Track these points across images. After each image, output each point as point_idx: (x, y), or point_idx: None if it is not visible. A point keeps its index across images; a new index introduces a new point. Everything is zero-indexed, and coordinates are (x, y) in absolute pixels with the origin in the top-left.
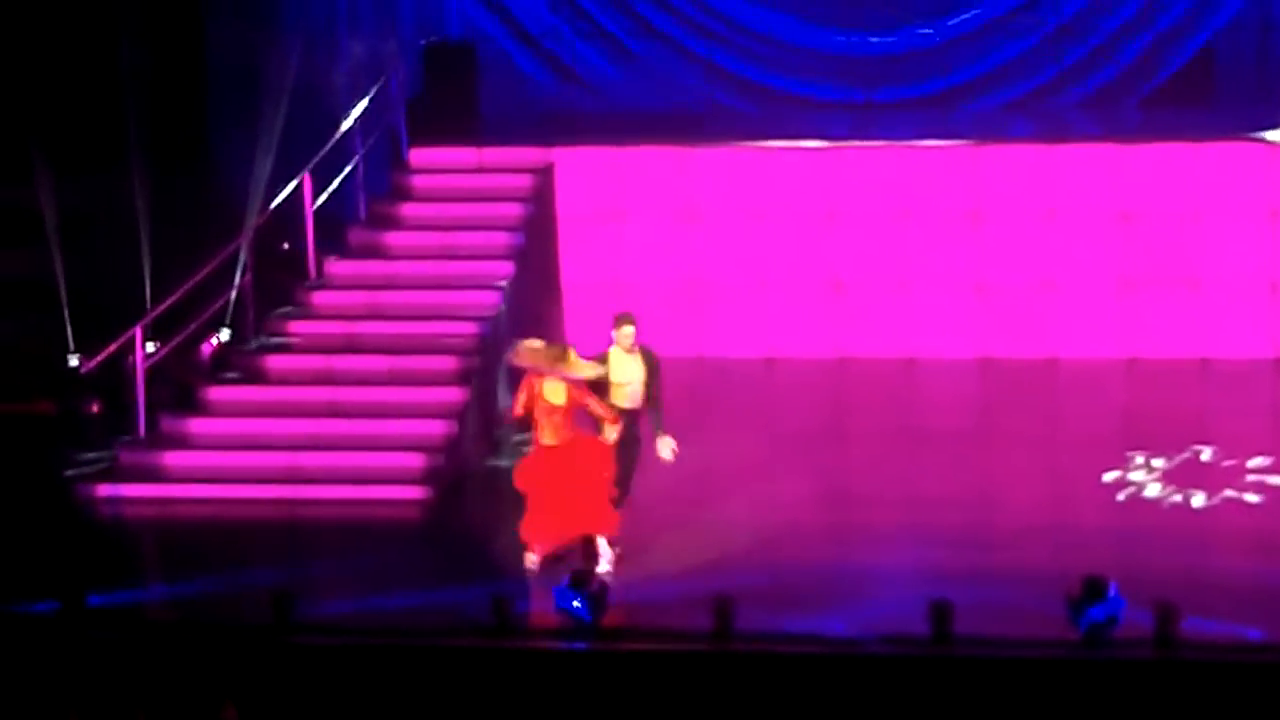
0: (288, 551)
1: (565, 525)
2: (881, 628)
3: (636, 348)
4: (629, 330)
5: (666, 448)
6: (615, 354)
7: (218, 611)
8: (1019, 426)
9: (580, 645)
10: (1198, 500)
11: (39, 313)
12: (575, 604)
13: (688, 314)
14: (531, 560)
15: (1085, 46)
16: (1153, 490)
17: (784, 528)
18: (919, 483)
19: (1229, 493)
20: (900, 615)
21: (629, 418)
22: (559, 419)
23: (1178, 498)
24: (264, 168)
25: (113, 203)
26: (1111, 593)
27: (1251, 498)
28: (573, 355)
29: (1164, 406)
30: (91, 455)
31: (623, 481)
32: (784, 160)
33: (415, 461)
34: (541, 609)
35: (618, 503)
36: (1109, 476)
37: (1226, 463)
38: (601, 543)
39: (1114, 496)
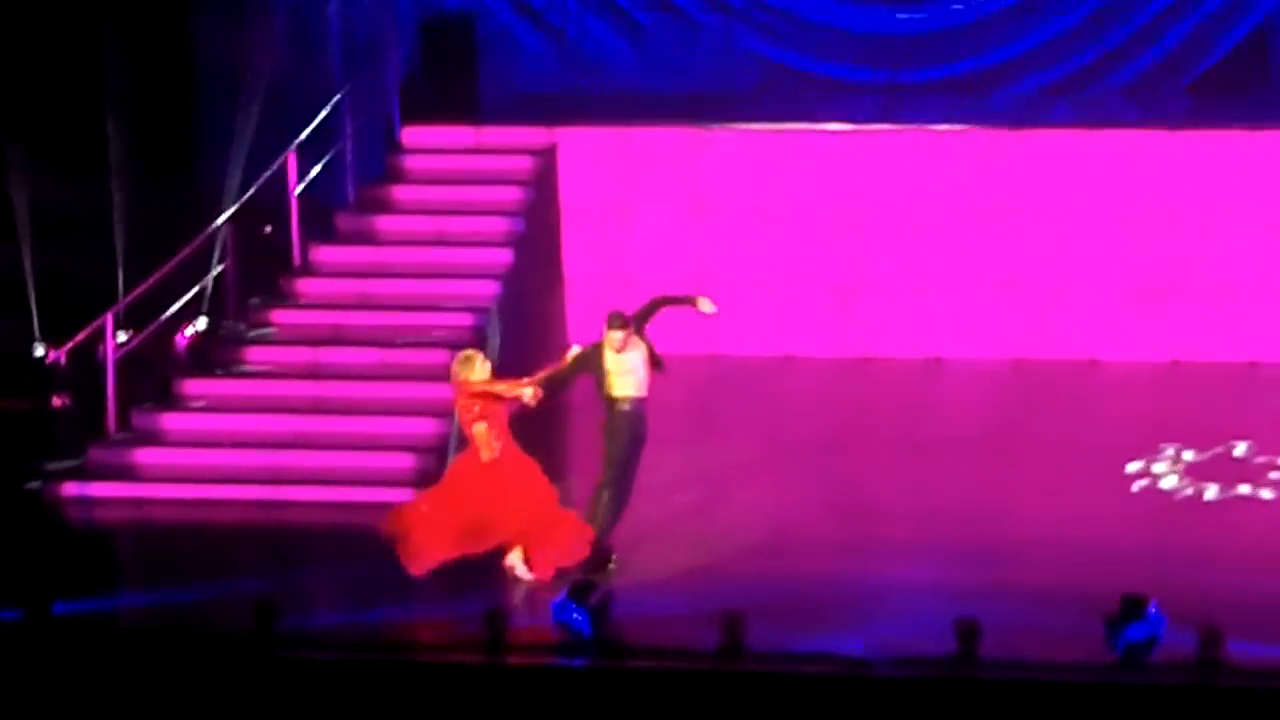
0: (270, 557)
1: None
2: (900, 648)
3: (628, 344)
4: (616, 336)
5: (707, 304)
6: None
7: (195, 621)
8: (1052, 433)
9: (579, 662)
10: (1210, 493)
11: (14, 309)
12: (575, 617)
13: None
14: (517, 563)
15: (1129, 26)
16: (1169, 482)
17: (797, 539)
18: (942, 493)
19: (1244, 489)
20: (921, 635)
21: (637, 409)
22: (488, 423)
23: (1190, 491)
24: (246, 147)
25: (94, 196)
26: (1151, 611)
27: (1267, 494)
28: (479, 363)
29: (1205, 411)
30: (58, 452)
31: (623, 480)
32: (803, 144)
33: (405, 462)
34: (539, 622)
35: (615, 508)
36: (1132, 466)
37: (1258, 459)
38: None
39: (1150, 503)
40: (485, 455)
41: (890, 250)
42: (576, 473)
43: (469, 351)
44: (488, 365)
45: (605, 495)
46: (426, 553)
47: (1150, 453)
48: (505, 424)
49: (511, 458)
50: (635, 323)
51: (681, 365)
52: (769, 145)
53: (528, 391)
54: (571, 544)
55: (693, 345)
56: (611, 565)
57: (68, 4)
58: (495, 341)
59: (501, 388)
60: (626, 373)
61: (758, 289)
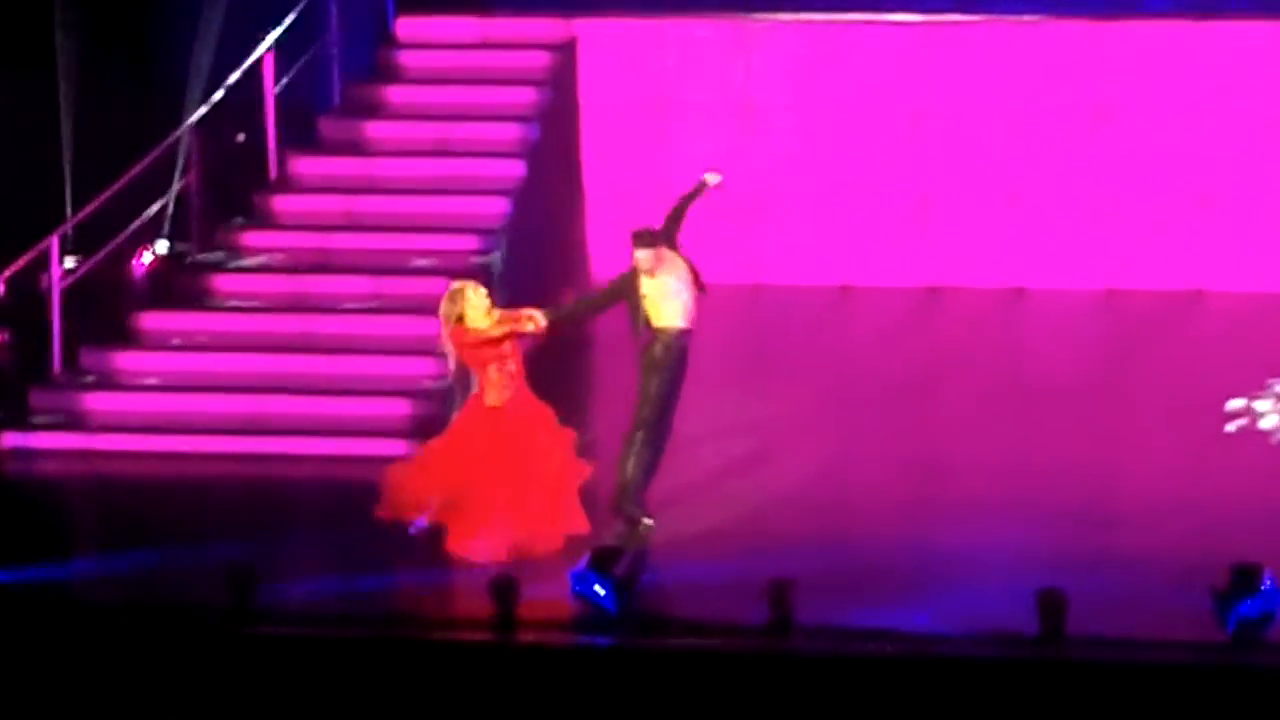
0: (245, 519)
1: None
2: (977, 623)
3: (661, 264)
4: (643, 256)
5: (712, 176)
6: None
7: (159, 594)
8: (1151, 375)
9: (603, 641)
10: None
11: None
12: (597, 589)
13: (743, 231)
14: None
15: None
16: (1270, 421)
17: (858, 498)
18: (1026, 443)
19: None
20: (999, 608)
21: (681, 342)
22: (498, 364)
23: None
24: (215, 40)
25: (37, 97)
26: (1266, 584)
27: None
28: (472, 294)
29: None
30: None
31: (661, 425)
32: (865, 39)
33: (401, 409)
34: (556, 595)
35: (650, 457)
36: (1233, 404)
37: None
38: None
39: (1260, 453)
40: (492, 399)
41: (965, 163)
42: (600, 418)
43: (458, 284)
44: (483, 293)
45: (639, 440)
46: (400, 499)
47: (1256, 390)
48: (520, 366)
49: (523, 406)
50: (663, 238)
51: (724, 296)
52: (826, 40)
53: (529, 325)
54: (555, 530)
55: (736, 274)
56: (643, 527)
57: None
58: (497, 268)
59: (503, 326)
60: (670, 297)
61: (812, 208)
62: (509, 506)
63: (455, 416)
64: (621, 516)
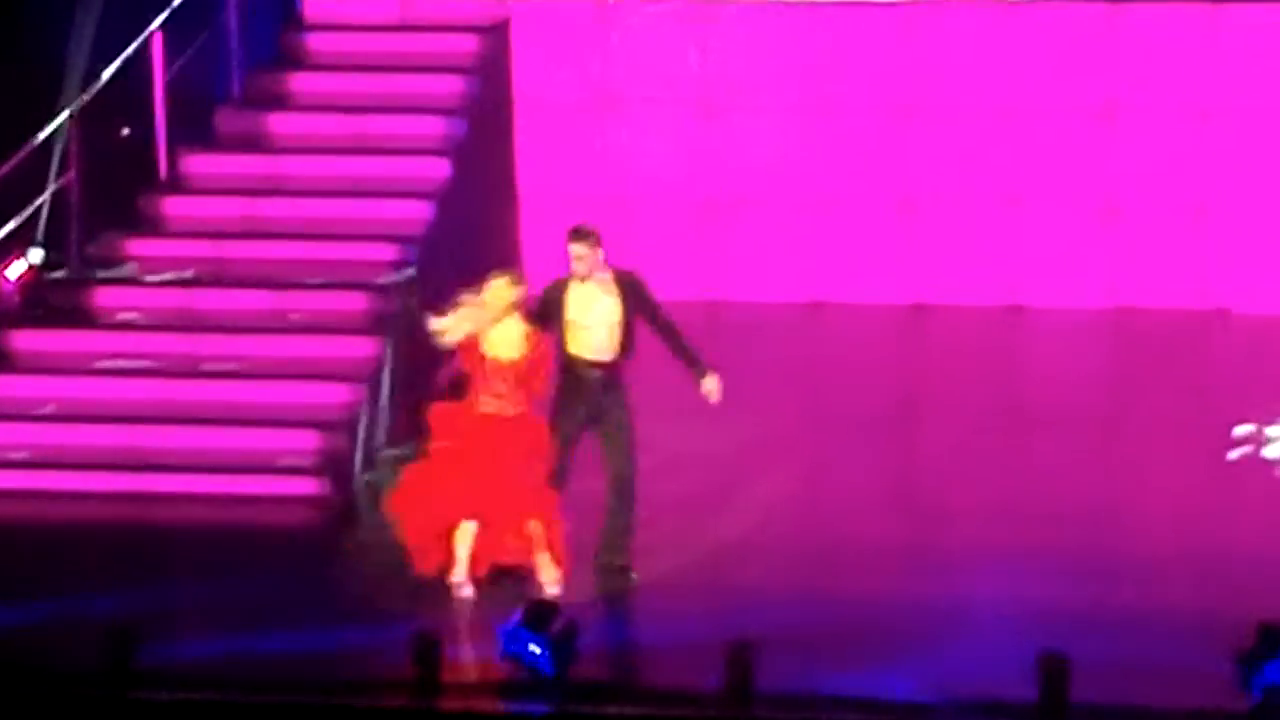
0: (127, 568)
1: (485, 532)
2: (967, 690)
3: (602, 274)
4: (578, 250)
5: (713, 384)
6: (574, 286)
7: (28, 653)
8: (1165, 404)
9: (538, 708)
10: None
11: None
12: (532, 649)
13: (700, 241)
14: (460, 581)
15: None
16: (1274, 450)
17: (832, 543)
18: (1023, 480)
19: None
20: (994, 673)
21: (600, 377)
22: (508, 382)
23: None
24: (96, 20)
25: None
26: None
27: None
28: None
29: None
30: None
31: (626, 481)
32: (842, 22)
33: (308, 442)
34: (485, 655)
35: (625, 516)
36: (1240, 430)
37: None
38: (544, 559)
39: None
40: (488, 408)
41: (955, 164)
42: None
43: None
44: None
45: (631, 488)
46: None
47: (1271, 418)
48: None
49: (521, 419)
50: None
51: (680, 314)
52: (797, 23)
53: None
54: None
55: (693, 288)
56: (628, 579)
57: None
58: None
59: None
60: (586, 326)
61: (781, 214)
62: (474, 518)
63: (433, 423)
64: (603, 566)
